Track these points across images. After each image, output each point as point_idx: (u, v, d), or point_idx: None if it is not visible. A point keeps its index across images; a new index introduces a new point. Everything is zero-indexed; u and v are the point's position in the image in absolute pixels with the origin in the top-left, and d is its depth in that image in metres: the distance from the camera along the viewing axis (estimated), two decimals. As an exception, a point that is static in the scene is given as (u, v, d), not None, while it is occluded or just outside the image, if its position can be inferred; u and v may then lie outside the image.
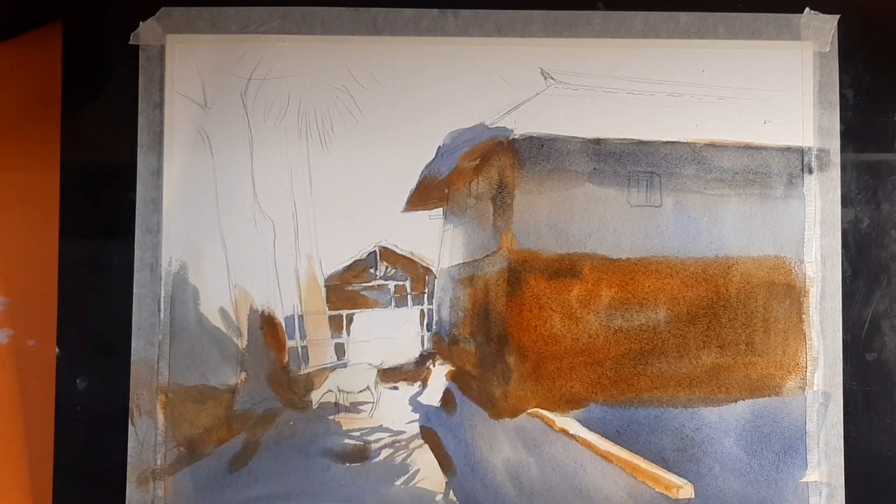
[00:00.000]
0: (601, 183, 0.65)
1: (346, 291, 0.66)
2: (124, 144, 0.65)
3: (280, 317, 0.65)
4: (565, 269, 0.65)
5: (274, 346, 0.65)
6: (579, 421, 0.64)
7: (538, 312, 0.65)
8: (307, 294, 0.65)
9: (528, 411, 0.64)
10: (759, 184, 0.65)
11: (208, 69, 0.66)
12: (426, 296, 0.66)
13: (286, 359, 0.65)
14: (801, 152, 0.65)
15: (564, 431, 0.64)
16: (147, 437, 0.64)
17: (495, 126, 0.65)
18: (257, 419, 0.65)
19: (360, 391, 0.65)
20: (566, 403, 0.64)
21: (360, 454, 0.64)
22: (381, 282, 0.66)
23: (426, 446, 0.65)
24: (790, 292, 0.65)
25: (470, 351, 0.65)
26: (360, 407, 0.65)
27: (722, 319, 0.64)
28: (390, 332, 0.66)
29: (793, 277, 0.65)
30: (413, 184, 0.65)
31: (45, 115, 0.67)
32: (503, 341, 0.65)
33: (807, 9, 0.65)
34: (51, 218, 0.66)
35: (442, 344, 0.66)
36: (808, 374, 0.64)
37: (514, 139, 0.65)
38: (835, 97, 0.65)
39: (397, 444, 0.65)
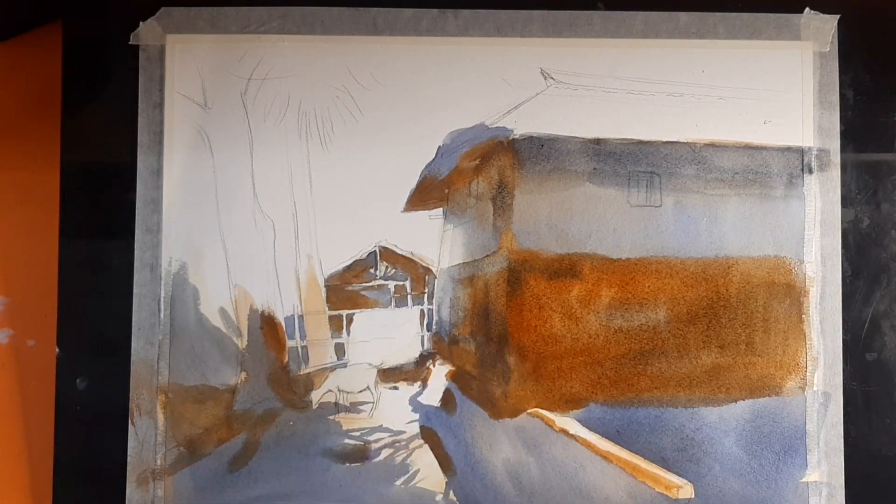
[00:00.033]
0: (601, 183, 0.65)
1: (346, 291, 0.66)
2: (124, 144, 0.65)
3: (280, 317, 0.65)
4: (565, 269, 0.65)
5: (274, 346, 0.65)
6: (579, 421, 0.64)
7: (538, 312, 0.65)
8: (307, 294, 0.65)
9: (528, 411, 0.64)
10: (759, 184, 0.65)
11: (208, 69, 0.66)
12: (426, 296, 0.66)
13: (286, 359, 0.65)
14: (801, 152, 0.65)
15: (564, 431, 0.64)
16: (147, 437, 0.64)
17: (495, 126, 0.65)
18: (257, 419, 0.65)
19: (360, 391, 0.65)
20: (566, 403, 0.64)
21: (360, 454, 0.64)
22: (381, 282, 0.66)
23: (426, 446, 0.65)
24: (790, 292, 0.65)
25: (470, 351, 0.65)
26: (360, 407, 0.65)
27: (722, 319, 0.64)
28: (390, 332, 0.66)
29: (793, 277, 0.65)
30: (413, 184, 0.65)
31: (45, 115, 0.67)
32: (503, 341, 0.65)
33: (807, 9, 0.65)
34: (51, 218, 0.66)
35: (442, 344, 0.66)
36: (808, 374, 0.64)
37: (514, 139, 0.65)
38: (835, 97, 0.65)
39: (397, 444, 0.65)
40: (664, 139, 0.65)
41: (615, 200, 0.65)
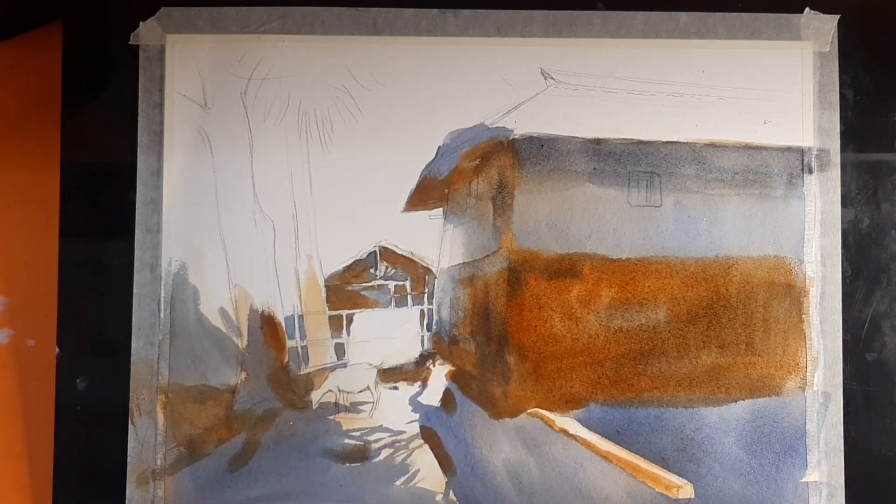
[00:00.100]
0: (601, 183, 0.65)
1: (346, 291, 0.66)
2: (124, 144, 0.65)
3: (280, 317, 0.65)
4: (565, 269, 0.65)
5: (274, 346, 0.65)
6: (579, 421, 0.64)
7: (538, 312, 0.65)
8: (307, 294, 0.65)
9: (528, 411, 0.64)
10: (759, 184, 0.65)
11: (208, 69, 0.66)
12: (426, 296, 0.66)
13: (286, 359, 0.65)
14: (801, 152, 0.65)
15: (564, 431, 0.64)
16: (147, 437, 0.64)
17: (495, 126, 0.65)
18: (257, 419, 0.65)
19: (360, 391, 0.65)
20: (566, 403, 0.64)
21: (360, 454, 0.64)
22: (381, 282, 0.66)
23: (426, 446, 0.65)
24: (790, 292, 0.65)
25: (470, 351, 0.65)
26: (360, 407, 0.65)
27: (722, 319, 0.64)
28: (390, 332, 0.66)
29: (793, 277, 0.65)
30: (413, 184, 0.65)
31: (45, 115, 0.67)
32: (503, 341, 0.65)
33: (807, 9, 0.65)
34: (51, 218, 0.66)
35: (442, 344, 0.66)
36: (808, 374, 0.64)
37: (514, 139, 0.65)
38: (835, 97, 0.65)
39: (397, 444, 0.65)
40: (664, 139, 0.65)
41: (615, 200, 0.65)
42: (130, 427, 0.64)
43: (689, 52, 0.65)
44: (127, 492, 0.64)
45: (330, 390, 0.65)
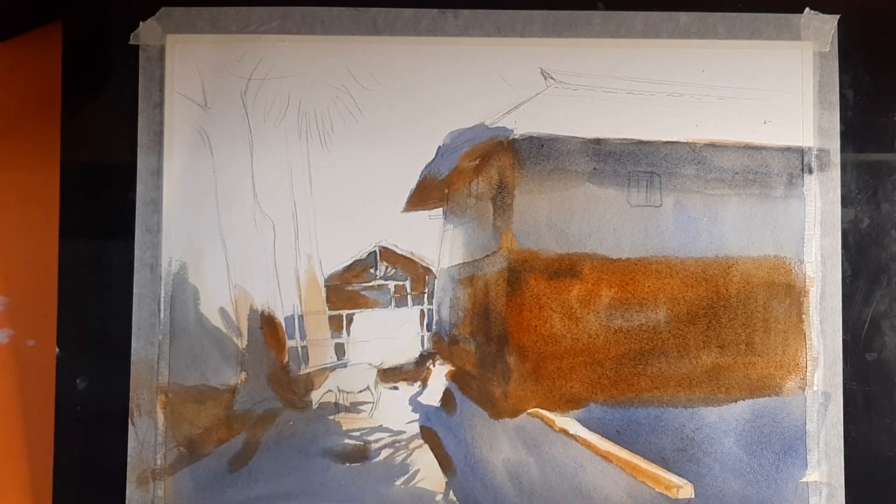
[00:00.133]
0: (601, 183, 0.65)
1: (346, 291, 0.66)
2: (124, 144, 0.65)
3: (280, 317, 0.65)
4: (565, 269, 0.65)
5: (274, 346, 0.65)
6: (579, 421, 0.64)
7: (538, 312, 0.65)
8: (307, 294, 0.65)
9: (528, 411, 0.64)
10: (759, 184, 0.65)
11: (208, 69, 0.66)
12: (426, 296, 0.66)
13: (286, 359, 0.65)
14: (801, 152, 0.65)
15: (564, 431, 0.64)
16: (147, 437, 0.64)
17: (495, 126, 0.65)
18: (257, 419, 0.65)
19: (360, 391, 0.65)
20: (566, 403, 0.64)
21: (360, 454, 0.64)
22: (381, 282, 0.66)
23: (426, 446, 0.65)
24: (790, 292, 0.65)
25: (470, 351, 0.65)
26: (360, 407, 0.65)
27: (722, 319, 0.64)
28: (390, 332, 0.66)
29: (793, 277, 0.65)
30: (413, 184, 0.65)
31: (45, 115, 0.67)
32: (503, 341, 0.65)
33: (807, 9, 0.65)
34: (51, 218, 0.66)
35: (442, 344, 0.66)
36: (808, 374, 0.64)
37: (514, 139, 0.65)
38: (835, 97, 0.65)
39: (397, 444, 0.65)
40: (664, 139, 0.65)
41: (615, 200, 0.65)
42: (130, 427, 0.64)
43: (689, 52, 0.65)
44: (127, 492, 0.64)
45: (330, 390, 0.65)
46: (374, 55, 0.65)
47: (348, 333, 0.66)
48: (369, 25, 0.66)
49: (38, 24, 0.68)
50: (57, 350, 0.65)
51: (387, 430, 0.65)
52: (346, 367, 0.65)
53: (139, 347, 0.64)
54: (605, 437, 0.64)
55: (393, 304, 0.66)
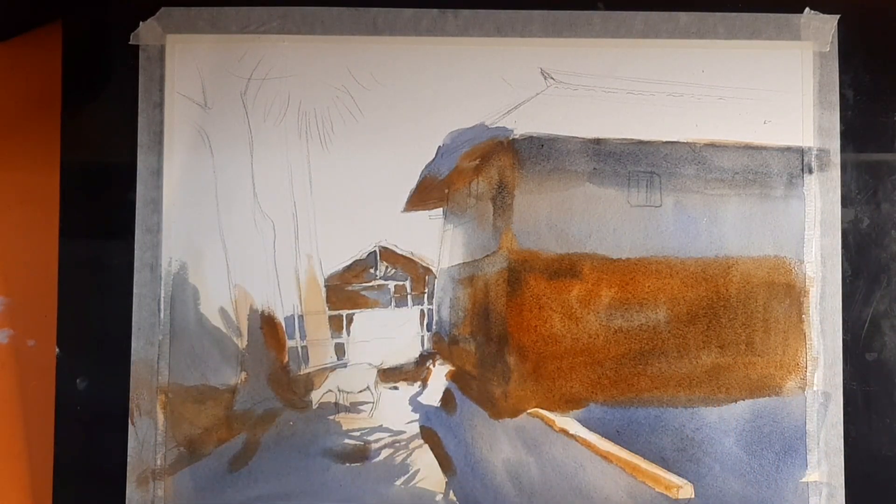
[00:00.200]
0: (601, 183, 0.65)
1: (346, 291, 0.66)
2: (124, 144, 0.65)
3: (280, 317, 0.65)
4: (565, 269, 0.65)
5: (274, 346, 0.65)
6: (579, 421, 0.64)
7: (538, 312, 0.65)
8: (307, 294, 0.65)
9: (528, 411, 0.64)
10: (759, 184, 0.65)
11: (208, 69, 0.66)
12: (426, 296, 0.66)
13: (286, 359, 0.65)
14: (801, 152, 0.65)
15: (564, 431, 0.64)
16: (147, 437, 0.64)
17: (495, 126, 0.65)
18: (257, 419, 0.65)
19: (360, 391, 0.65)
20: (566, 403, 0.64)
21: (360, 454, 0.64)
22: (381, 282, 0.66)
23: (426, 446, 0.65)
24: (790, 292, 0.65)
25: (470, 351, 0.65)
26: (360, 407, 0.65)
27: (722, 319, 0.64)
28: (390, 332, 0.66)
29: (793, 277, 0.65)
30: (413, 184, 0.65)
31: (45, 115, 0.67)
32: (503, 341, 0.65)
33: (807, 9, 0.65)
34: (51, 218, 0.66)
35: (442, 344, 0.66)
36: (808, 374, 0.64)
37: (514, 139, 0.65)
38: (835, 97, 0.65)
39: (397, 444, 0.65)
40: (664, 139, 0.65)
41: (615, 200, 0.65)
42: (130, 427, 0.64)
43: (689, 52, 0.65)
44: (127, 492, 0.64)
45: (330, 390, 0.65)
46: (374, 55, 0.65)
47: (348, 333, 0.66)
48: (369, 25, 0.66)
49: (38, 24, 0.68)
50: (57, 350, 0.65)
51: (387, 430, 0.65)
52: (346, 367, 0.65)
53: (139, 347, 0.65)
54: (605, 437, 0.64)
55: (393, 304, 0.66)
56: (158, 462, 0.64)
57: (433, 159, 0.65)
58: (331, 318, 0.66)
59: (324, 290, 0.65)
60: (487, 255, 0.65)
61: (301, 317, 0.65)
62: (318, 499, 0.64)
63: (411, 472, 0.64)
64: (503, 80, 0.65)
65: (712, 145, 0.65)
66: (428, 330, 0.66)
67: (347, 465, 0.64)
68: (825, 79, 0.65)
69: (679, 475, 0.64)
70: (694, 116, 0.65)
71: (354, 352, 0.65)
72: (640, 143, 0.65)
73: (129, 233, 0.65)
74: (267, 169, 0.65)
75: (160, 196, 0.65)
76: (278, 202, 0.65)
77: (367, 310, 0.66)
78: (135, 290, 0.65)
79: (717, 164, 0.65)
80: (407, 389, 0.65)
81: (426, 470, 0.64)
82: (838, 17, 0.65)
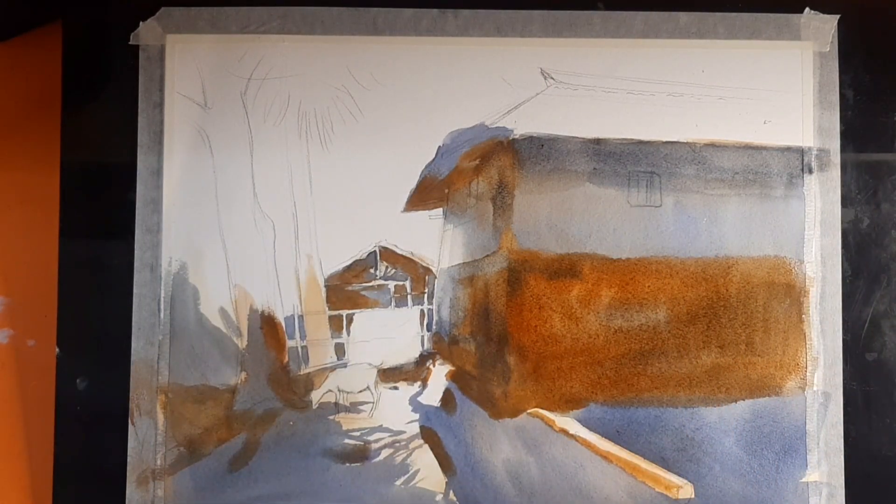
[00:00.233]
0: (601, 183, 0.65)
1: (346, 291, 0.66)
2: (124, 144, 0.65)
3: (280, 317, 0.65)
4: (565, 269, 0.65)
5: (274, 346, 0.65)
6: (579, 421, 0.64)
7: (538, 312, 0.65)
8: (307, 294, 0.65)
9: (528, 411, 0.64)
10: (759, 184, 0.65)
11: (208, 69, 0.66)
12: (426, 296, 0.66)
13: (286, 359, 0.65)
14: (801, 152, 0.65)
15: (564, 431, 0.64)
16: (147, 437, 0.64)
17: (495, 126, 0.65)
18: (257, 419, 0.65)
19: (360, 391, 0.65)
20: (566, 403, 0.64)
21: (360, 454, 0.64)
22: (381, 282, 0.66)
23: (426, 446, 0.65)
24: (790, 292, 0.65)
25: (470, 351, 0.65)
26: (360, 407, 0.65)
27: (722, 319, 0.64)
28: (390, 332, 0.66)
29: (793, 277, 0.65)
30: (413, 184, 0.65)
31: (45, 115, 0.67)
32: (503, 341, 0.65)
33: (807, 9, 0.65)
34: (51, 218, 0.66)
35: (442, 344, 0.66)
36: (808, 374, 0.64)
37: (514, 139, 0.65)
38: (835, 97, 0.65)
39: (397, 444, 0.65)
40: (664, 139, 0.65)
41: (615, 200, 0.65)
42: (130, 427, 0.64)
43: (689, 52, 0.65)
44: (127, 492, 0.64)
45: (330, 390, 0.65)
46: (374, 55, 0.65)
47: (348, 333, 0.66)
48: (369, 25, 0.66)
49: (38, 24, 0.68)
50: (57, 350, 0.65)
51: (387, 430, 0.65)
52: (346, 367, 0.65)
53: (139, 347, 0.64)
54: (605, 437, 0.64)
55: (393, 304, 0.66)
56: (158, 462, 0.64)
57: (433, 159, 0.65)
58: (331, 318, 0.66)
59: (324, 290, 0.65)
60: (487, 255, 0.65)
61: (301, 317, 0.65)
62: (318, 499, 0.64)
63: (411, 472, 0.64)
64: (503, 80, 0.65)
65: (712, 145, 0.65)
66: (428, 330, 0.66)
67: (347, 465, 0.64)
68: (825, 79, 0.65)
69: (679, 475, 0.64)
70: (694, 116, 0.65)
71: (354, 352, 0.65)
72: (640, 143, 0.65)
73: (129, 233, 0.65)
74: (267, 169, 0.65)
75: (160, 196, 0.65)
76: (278, 202, 0.65)
77: (367, 310, 0.66)
78: (135, 290, 0.65)
79: (717, 164, 0.65)
80: (407, 389, 0.65)
81: (426, 470, 0.64)
82: (838, 17, 0.65)
